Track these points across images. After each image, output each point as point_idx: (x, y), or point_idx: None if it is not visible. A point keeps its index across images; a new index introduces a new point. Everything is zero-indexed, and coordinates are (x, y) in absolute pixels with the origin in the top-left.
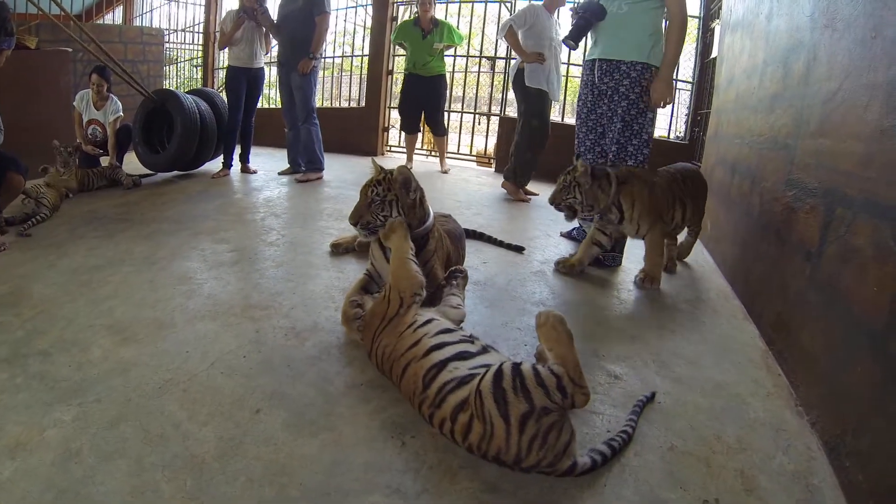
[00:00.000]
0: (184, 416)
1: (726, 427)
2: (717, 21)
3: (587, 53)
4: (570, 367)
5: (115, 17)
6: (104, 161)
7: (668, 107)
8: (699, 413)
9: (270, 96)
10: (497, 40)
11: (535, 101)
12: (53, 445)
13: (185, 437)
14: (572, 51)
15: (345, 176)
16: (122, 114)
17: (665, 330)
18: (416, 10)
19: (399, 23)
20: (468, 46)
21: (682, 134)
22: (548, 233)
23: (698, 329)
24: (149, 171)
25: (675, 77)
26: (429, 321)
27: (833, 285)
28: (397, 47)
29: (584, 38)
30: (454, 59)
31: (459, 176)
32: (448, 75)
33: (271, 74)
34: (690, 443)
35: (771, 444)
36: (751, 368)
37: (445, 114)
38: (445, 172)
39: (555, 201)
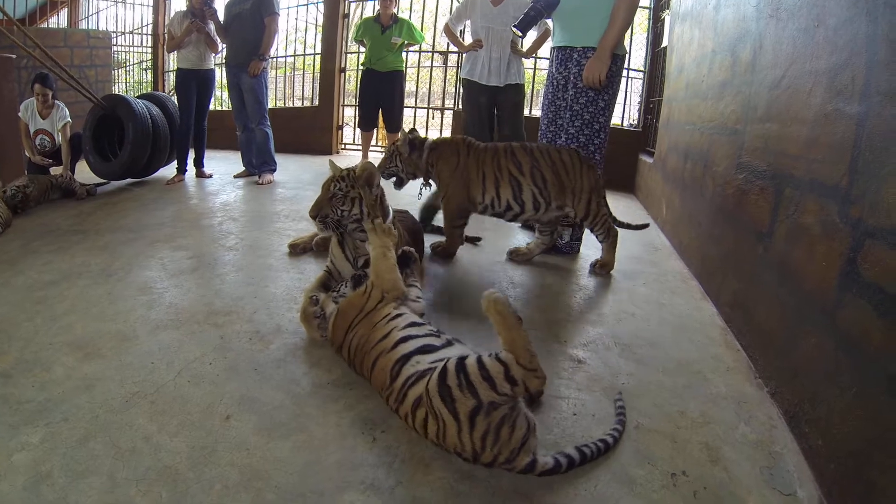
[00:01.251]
0: (154, 429)
1: (689, 403)
2: (668, 11)
3: None
4: (520, 351)
5: (59, 20)
6: (54, 171)
7: (608, 89)
8: (663, 391)
9: (223, 99)
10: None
11: (463, 91)
12: (23, 469)
13: (156, 449)
14: (521, 39)
15: (301, 176)
16: (69, 120)
17: (625, 313)
18: (376, 7)
19: (359, 20)
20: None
21: (636, 121)
22: (505, 223)
23: (658, 311)
24: (101, 180)
25: (627, 66)
26: (399, 315)
27: (784, 263)
28: (357, 44)
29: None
30: (406, 55)
31: None
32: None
33: (222, 76)
34: (656, 420)
35: (733, 416)
36: (710, 346)
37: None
38: None
39: (380, 170)
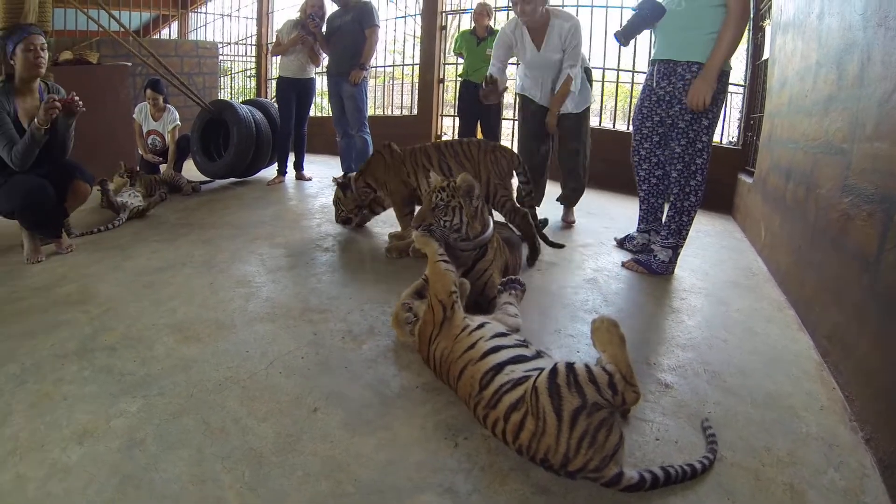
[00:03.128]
0: (243, 412)
1: (777, 440)
2: (768, 20)
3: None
4: (622, 365)
5: (171, 31)
6: (163, 168)
7: (712, 111)
8: (750, 424)
9: (322, 106)
10: None
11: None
12: (119, 434)
13: (244, 431)
14: (623, 47)
15: None
16: (179, 123)
17: (717, 339)
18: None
19: (457, 32)
20: None
21: (735, 139)
22: (601, 241)
23: (751, 339)
24: (207, 179)
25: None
26: (482, 325)
27: (892, 295)
28: (455, 56)
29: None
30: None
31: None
32: None
33: (323, 84)
34: (740, 454)
35: (822, 460)
36: (804, 381)
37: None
38: None
39: (337, 219)
